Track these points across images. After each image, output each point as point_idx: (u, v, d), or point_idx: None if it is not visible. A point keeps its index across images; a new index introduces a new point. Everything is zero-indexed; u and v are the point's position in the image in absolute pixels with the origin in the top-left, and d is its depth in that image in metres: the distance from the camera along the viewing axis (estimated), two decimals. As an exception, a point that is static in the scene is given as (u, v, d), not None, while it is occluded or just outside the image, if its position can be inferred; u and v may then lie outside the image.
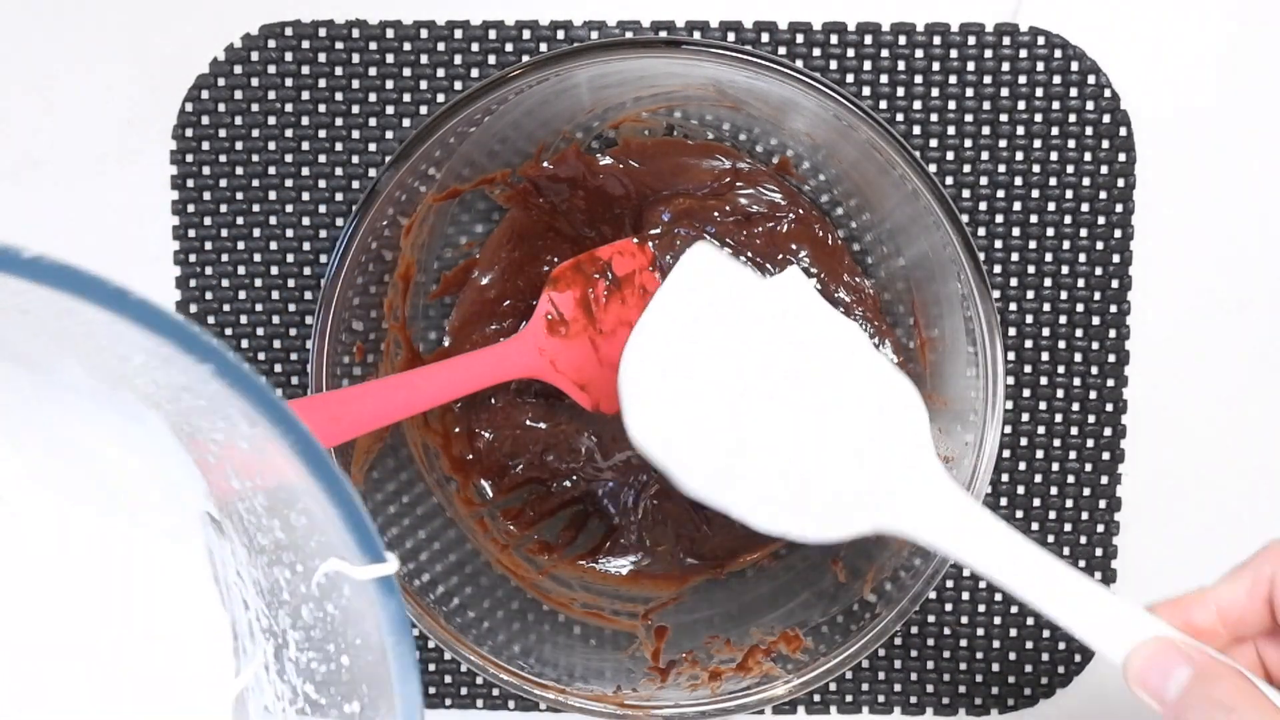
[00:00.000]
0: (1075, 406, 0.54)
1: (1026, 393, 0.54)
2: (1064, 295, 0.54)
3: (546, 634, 0.52)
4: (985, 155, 0.53)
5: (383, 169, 0.46)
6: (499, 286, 0.53)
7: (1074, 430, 0.54)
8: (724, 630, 0.52)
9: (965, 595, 0.55)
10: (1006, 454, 0.54)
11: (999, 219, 0.53)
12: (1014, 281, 0.54)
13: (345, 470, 0.48)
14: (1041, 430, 0.54)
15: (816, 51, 0.53)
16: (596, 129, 0.51)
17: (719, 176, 0.52)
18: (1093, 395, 0.54)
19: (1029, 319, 0.54)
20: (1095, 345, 0.54)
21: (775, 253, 0.52)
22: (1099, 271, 0.54)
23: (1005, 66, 0.53)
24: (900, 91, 0.53)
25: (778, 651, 0.50)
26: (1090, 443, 0.54)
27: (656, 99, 0.51)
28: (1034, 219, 0.53)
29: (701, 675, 0.50)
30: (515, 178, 0.51)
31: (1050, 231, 0.53)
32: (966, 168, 0.53)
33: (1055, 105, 0.53)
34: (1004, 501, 0.55)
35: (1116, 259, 0.53)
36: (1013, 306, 0.54)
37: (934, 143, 0.53)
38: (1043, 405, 0.54)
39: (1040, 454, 0.54)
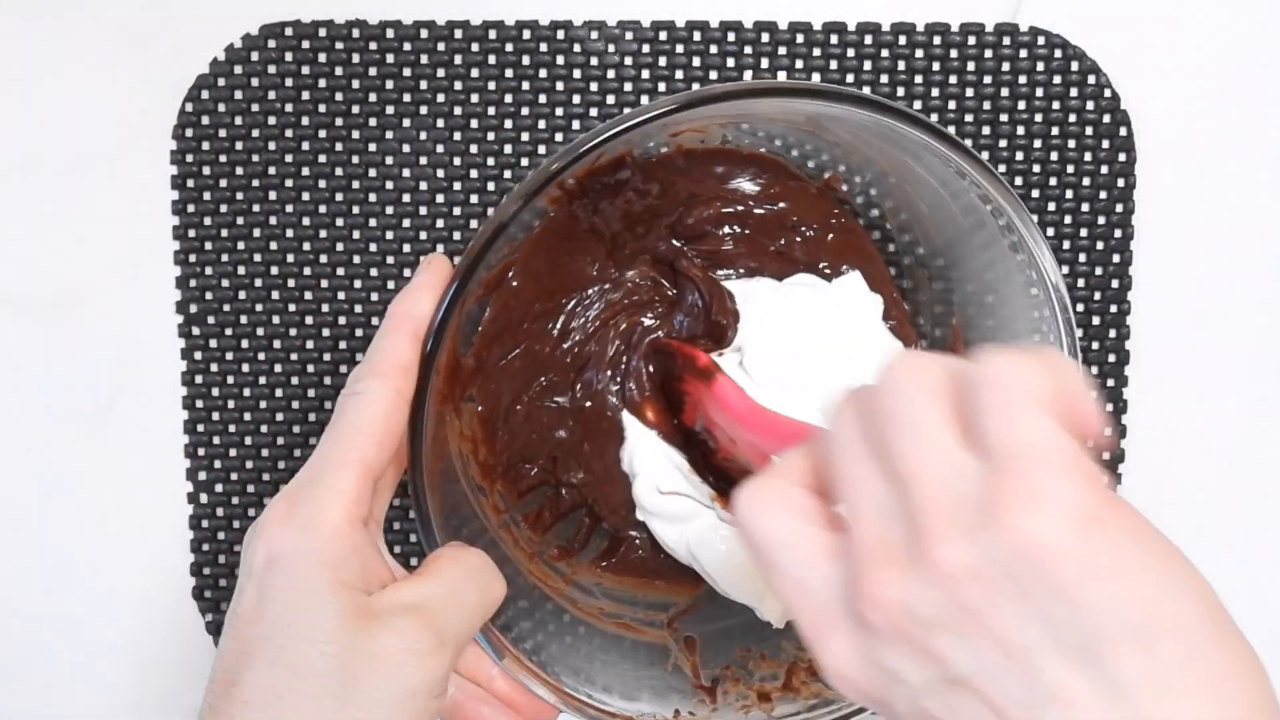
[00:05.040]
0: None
1: (1026, 393, 0.54)
2: (1064, 295, 0.54)
3: (597, 653, 0.51)
4: (985, 155, 0.53)
5: (506, 210, 0.42)
6: (532, 287, 0.52)
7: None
8: (753, 641, 0.51)
9: (965, 595, 0.55)
10: (1006, 454, 0.54)
11: (999, 219, 0.53)
12: (1014, 281, 0.54)
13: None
14: (1041, 430, 0.54)
15: (816, 51, 0.53)
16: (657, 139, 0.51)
17: (766, 185, 0.52)
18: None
19: (1029, 319, 0.54)
20: (1095, 345, 0.54)
21: (818, 261, 0.52)
22: (1099, 271, 0.54)
23: (1005, 66, 0.53)
24: (900, 91, 0.53)
25: None
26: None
27: (726, 117, 0.50)
28: (1034, 219, 0.53)
29: (750, 695, 0.49)
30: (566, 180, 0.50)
31: (1050, 231, 0.53)
32: (966, 168, 0.53)
33: (1055, 105, 0.53)
34: (1004, 501, 0.54)
35: (1116, 259, 0.53)
36: (1013, 306, 0.54)
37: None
38: (1043, 405, 0.54)
39: (1040, 454, 0.54)
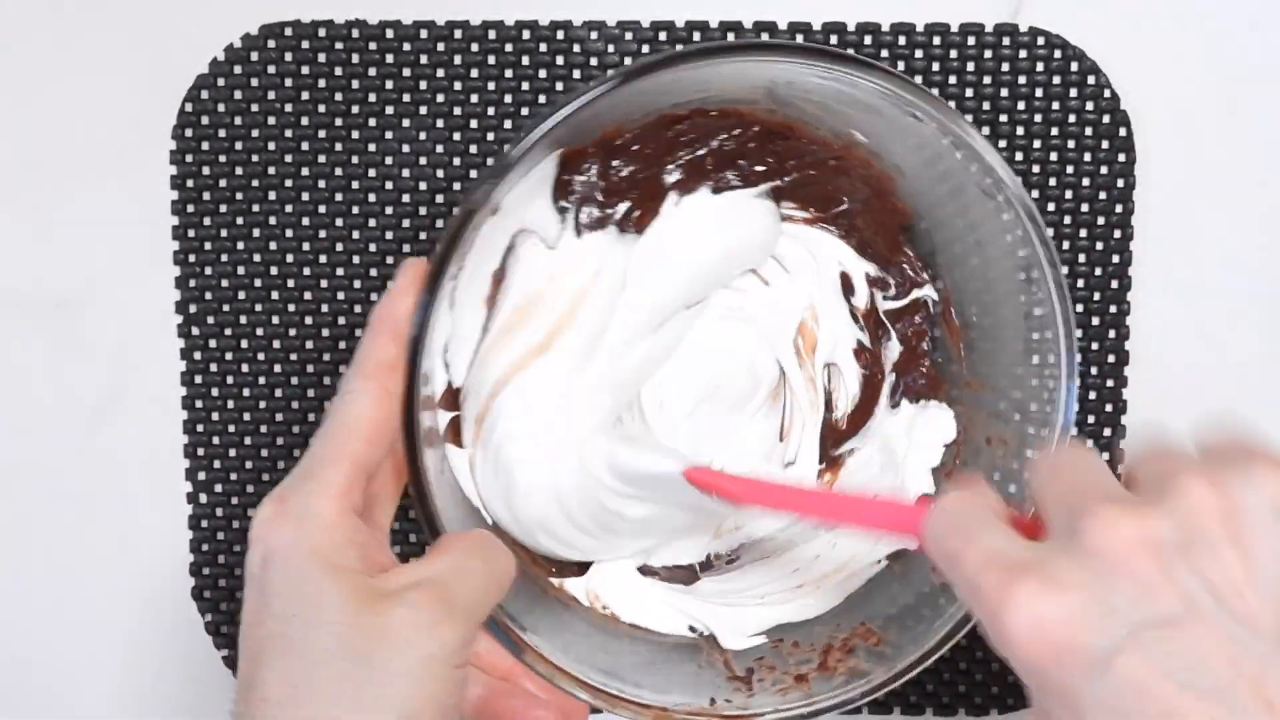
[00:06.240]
0: (1075, 406, 0.54)
1: (1026, 393, 0.54)
2: (1064, 295, 0.54)
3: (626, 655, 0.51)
4: (985, 155, 0.53)
5: (464, 211, 0.42)
6: None
7: (1074, 430, 0.54)
8: (784, 633, 0.51)
9: (965, 595, 0.55)
10: (1006, 454, 0.54)
11: (999, 219, 0.53)
12: (1014, 281, 0.54)
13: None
14: (1041, 430, 0.54)
15: (816, 51, 0.53)
16: None
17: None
18: (1093, 395, 0.54)
19: (1029, 319, 0.54)
20: (1095, 345, 0.54)
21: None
22: (1099, 271, 0.54)
23: (1005, 66, 0.53)
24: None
25: (857, 646, 0.48)
26: (1090, 442, 0.54)
27: (691, 103, 0.49)
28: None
29: (786, 679, 0.49)
30: None
31: (1050, 232, 0.53)
32: (966, 168, 0.53)
33: (1055, 105, 0.53)
34: (1004, 501, 0.54)
35: (1116, 259, 0.53)
36: (1013, 306, 0.54)
37: (934, 143, 0.53)
38: (1043, 405, 0.54)
39: (1040, 454, 0.54)
